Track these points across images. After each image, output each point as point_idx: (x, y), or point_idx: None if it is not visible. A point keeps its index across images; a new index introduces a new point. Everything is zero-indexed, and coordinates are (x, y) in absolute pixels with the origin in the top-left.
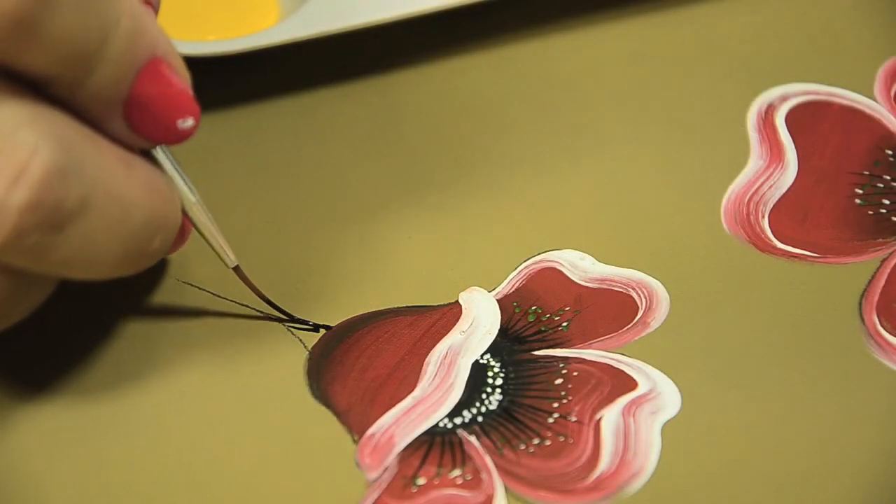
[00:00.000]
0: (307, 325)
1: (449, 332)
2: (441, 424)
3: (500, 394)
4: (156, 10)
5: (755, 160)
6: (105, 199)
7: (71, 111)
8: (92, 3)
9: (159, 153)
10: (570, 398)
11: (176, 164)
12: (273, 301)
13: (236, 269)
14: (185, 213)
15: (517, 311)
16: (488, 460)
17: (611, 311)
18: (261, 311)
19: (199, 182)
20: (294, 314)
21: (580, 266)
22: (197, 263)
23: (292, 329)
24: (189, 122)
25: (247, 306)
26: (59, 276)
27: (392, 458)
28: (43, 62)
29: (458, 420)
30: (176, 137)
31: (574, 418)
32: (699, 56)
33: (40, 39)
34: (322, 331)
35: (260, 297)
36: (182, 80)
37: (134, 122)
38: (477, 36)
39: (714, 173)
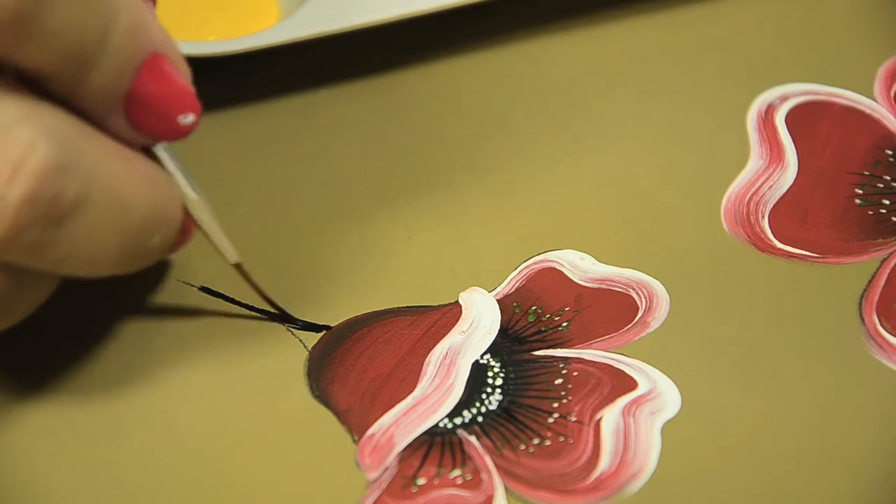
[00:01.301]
0: (307, 325)
1: (449, 332)
2: (441, 424)
3: (500, 394)
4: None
5: (755, 160)
6: (104, 194)
7: (72, 108)
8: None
9: (160, 150)
10: (570, 398)
11: (178, 162)
12: (274, 300)
13: (237, 266)
14: (186, 212)
15: (517, 311)
16: (488, 460)
17: (611, 311)
18: (260, 312)
19: (199, 182)
20: (294, 315)
21: (580, 266)
22: (198, 263)
23: (292, 329)
24: (190, 118)
25: (247, 306)
26: (59, 275)
27: (392, 458)
28: (41, 58)
29: (458, 420)
30: (177, 133)
31: (574, 418)
32: (699, 56)
33: (37, 35)
34: (322, 331)
35: (261, 296)
36: (183, 75)
37: (134, 118)
38: (477, 36)
39: (714, 173)
